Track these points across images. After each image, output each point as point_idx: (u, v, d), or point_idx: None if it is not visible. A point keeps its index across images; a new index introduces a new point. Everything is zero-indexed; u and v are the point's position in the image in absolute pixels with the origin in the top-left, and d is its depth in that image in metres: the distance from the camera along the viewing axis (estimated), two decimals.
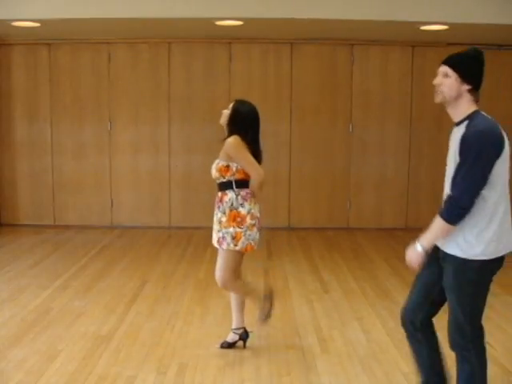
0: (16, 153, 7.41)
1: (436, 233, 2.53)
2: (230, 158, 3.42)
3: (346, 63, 7.29)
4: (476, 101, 2.49)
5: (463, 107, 2.48)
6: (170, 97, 7.29)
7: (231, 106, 3.51)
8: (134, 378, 3.25)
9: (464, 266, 2.45)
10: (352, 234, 7.13)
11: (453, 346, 2.59)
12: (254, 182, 3.45)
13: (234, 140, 3.39)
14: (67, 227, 7.34)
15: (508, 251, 2.50)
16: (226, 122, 3.50)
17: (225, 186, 3.47)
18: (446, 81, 2.53)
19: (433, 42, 7.12)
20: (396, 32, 6.60)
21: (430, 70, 7.24)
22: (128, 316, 4.23)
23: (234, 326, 3.67)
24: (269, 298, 3.68)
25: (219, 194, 3.51)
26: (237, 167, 3.43)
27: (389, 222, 7.48)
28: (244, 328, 3.68)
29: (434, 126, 7.39)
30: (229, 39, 7.12)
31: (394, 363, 3.45)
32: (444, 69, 2.56)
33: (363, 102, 7.31)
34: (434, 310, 2.75)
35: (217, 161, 3.48)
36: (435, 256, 2.59)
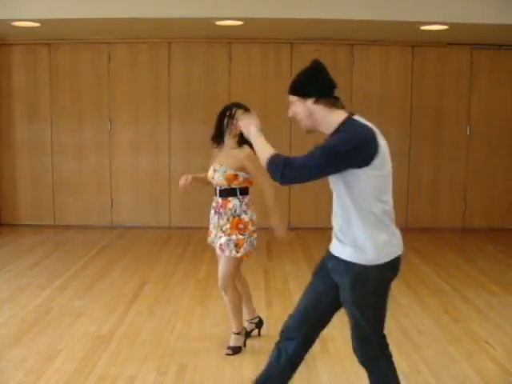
0: (16, 153, 7.41)
1: (258, 145, 2.45)
2: (242, 169, 3.41)
3: (346, 63, 7.29)
4: (339, 106, 2.40)
5: (326, 119, 2.38)
6: (170, 97, 7.29)
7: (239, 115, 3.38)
8: (133, 378, 3.25)
9: (362, 273, 2.33)
10: None
11: (359, 361, 2.54)
12: (270, 194, 3.44)
13: (252, 154, 3.28)
14: (67, 227, 7.34)
15: (399, 253, 2.44)
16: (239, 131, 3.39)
17: (228, 193, 3.46)
18: (295, 108, 2.46)
19: (433, 41, 7.13)
20: (396, 32, 6.60)
21: (430, 70, 7.34)
22: (128, 316, 4.23)
23: (248, 318, 3.79)
24: (253, 329, 3.83)
25: (220, 200, 3.49)
26: (244, 176, 3.44)
27: None
28: (258, 317, 3.84)
29: (434, 126, 7.40)
30: (229, 39, 7.12)
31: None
32: (289, 98, 2.49)
33: (363, 102, 7.30)
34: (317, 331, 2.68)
35: (223, 168, 3.43)
36: (325, 269, 2.51)
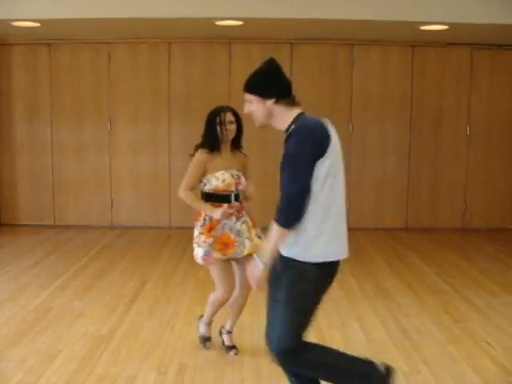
0: (16, 153, 7.41)
1: (275, 241, 2.35)
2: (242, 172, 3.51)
3: (346, 63, 7.29)
4: (296, 104, 2.46)
5: (283, 117, 2.44)
6: (170, 97, 7.29)
7: (234, 119, 3.40)
8: (133, 378, 3.25)
9: (300, 271, 2.35)
10: (352, 233, 7.09)
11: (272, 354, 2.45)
12: (253, 191, 3.51)
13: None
14: (67, 227, 7.35)
15: (342, 257, 2.47)
16: (233, 136, 3.44)
17: (238, 197, 3.48)
18: (252, 106, 2.48)
19: (433, 41, 7.13)
20: (396, 32, 6.60)
21: (430, 70, 7.34)
22: (128, 316, 4.23)
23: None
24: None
25: (237, 204, 3.46)
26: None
27: (389, 221, 7.48)
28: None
29: (433, 125, 7.40)
30: (229, 39, 7.12)
31: (394, 363, 3.43)
32: (246, 96, 2.51)
33: (363, 102, 7.31)
34: None
35: (237, 173, 3.45)
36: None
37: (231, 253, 3.41)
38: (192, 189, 3.45)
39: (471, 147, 7.45)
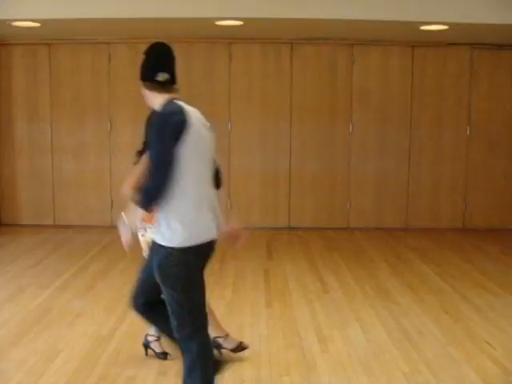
0: (16, 152, 7.41)
1: (134, 213, 2.54)
2: None
3: (346, 63, 7.28)
4: (166, 90, 2.59)
5: (154, 101, 2.61)
6: None
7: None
8: (134, 378, 3.25)
9: (169, 254, 2.46)
10: (352, 233, 7.13)
11: (175, 337, 2.61)
12: None
13: None
14: (67, 227, 7.34)
15: (211, 238, 2.55)
16: None
17: None
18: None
19: (433, 41, 7.13)
20: (396, 32, 6.60)
21: (430, 70, 7.34)
22: (128, 316, 4.22)
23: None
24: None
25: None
26: None
27: (389, 221, 7.48)
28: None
29: (434, 125, 7.39)
30: (229, 39, 7.11)
31: (394, 363, 3.45)
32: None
33: (363, 102, 7.31)
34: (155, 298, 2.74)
35: None
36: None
37: None
38: None
39: (471, 147, 7.45)
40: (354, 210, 7.39)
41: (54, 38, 7.08)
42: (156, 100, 2.58)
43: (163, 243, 2.48)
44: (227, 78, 7.24)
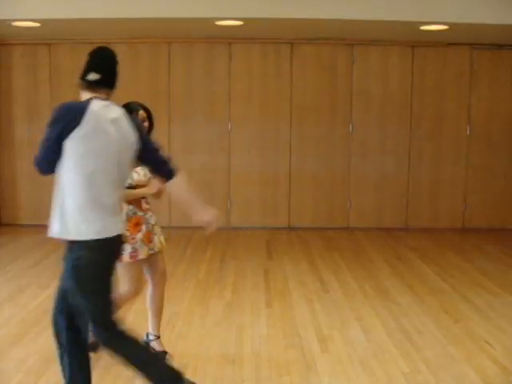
0: (16, 153, 7.41)
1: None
2: None
3: (346, 63, 7.29)
4: (94, 91, 2.74)
5: (82, 99, 2.77)
6: (170, 97, 7.29)
7: (146, 115, 3.53)
8: (134, 378, 3.24)
9: (73, 248, 2.60)
10: (352, 233, 7.13)
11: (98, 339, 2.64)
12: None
13: None
14: None
15: (116, 233, 2.63)
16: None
17: None
18: None
19: (433, 41, 7.13)
20: (396, 32, 6.60)
21: (430, 70, 7.34)
22: (128, 316, 4.23)
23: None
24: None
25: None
26: None
27: (389, 221, 7.48)
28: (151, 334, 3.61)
29: (434, 125, 7.40)
30: (229, 39, 7.12)
31: (394, 363, 3.45)
32: None
33: (363, 102, 7.31)
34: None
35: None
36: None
37: (151, 246, 3.59)
38: None
39: (471, 147, 7.45)
40: (354, 210, 7.39)
41: (54, 38, 7.09)
42: (82, 98, 2.69)
43: (69, 237, 2.71)
44: (227, 78, 7.25)
